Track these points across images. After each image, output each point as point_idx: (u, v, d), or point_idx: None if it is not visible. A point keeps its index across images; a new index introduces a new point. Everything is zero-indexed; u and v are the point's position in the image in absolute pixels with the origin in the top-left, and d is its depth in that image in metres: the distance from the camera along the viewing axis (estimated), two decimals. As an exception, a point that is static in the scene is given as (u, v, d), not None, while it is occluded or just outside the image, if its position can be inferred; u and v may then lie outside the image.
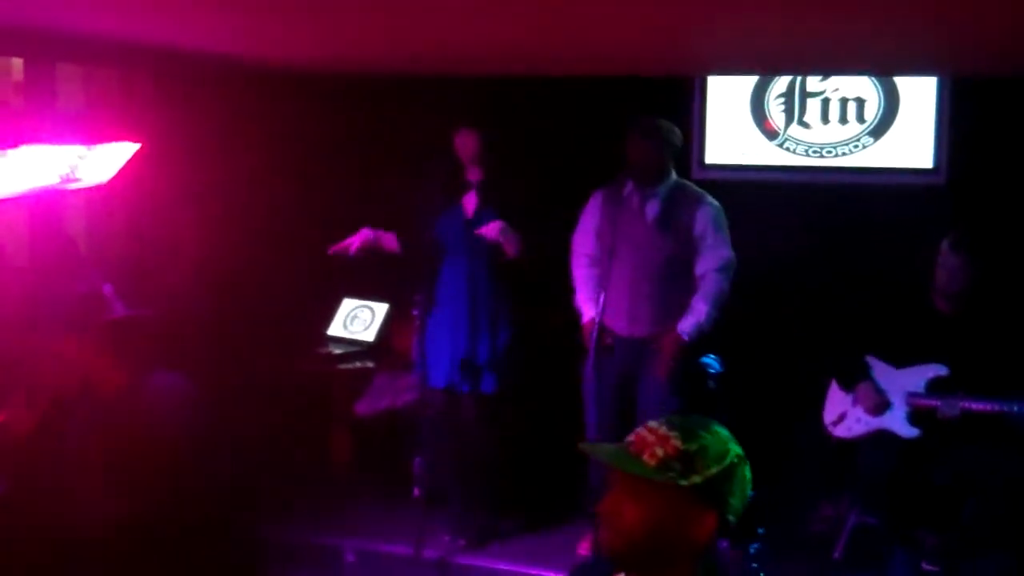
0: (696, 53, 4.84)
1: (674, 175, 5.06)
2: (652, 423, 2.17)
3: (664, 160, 4.98)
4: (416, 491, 5.01)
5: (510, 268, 5.13)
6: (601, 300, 4.68)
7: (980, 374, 4.54)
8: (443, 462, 5.23)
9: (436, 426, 5.18)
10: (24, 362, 2.96)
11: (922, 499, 4.68)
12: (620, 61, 5.00)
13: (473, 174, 5.18)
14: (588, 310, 5.00)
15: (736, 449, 2.15)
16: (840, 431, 4.86)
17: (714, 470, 2.09)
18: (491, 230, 4.94)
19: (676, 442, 2.10)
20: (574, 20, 3.43)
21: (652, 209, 4.97)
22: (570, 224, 5.25)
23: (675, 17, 3.38)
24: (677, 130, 5.04)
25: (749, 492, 2.17)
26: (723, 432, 2.17)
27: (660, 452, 2.10)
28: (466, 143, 5.13)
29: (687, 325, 4.93)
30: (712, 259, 4.97)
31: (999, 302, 4.67)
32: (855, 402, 4.81)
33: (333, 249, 5.11)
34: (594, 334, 4.66)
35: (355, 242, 5.12)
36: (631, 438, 2.16)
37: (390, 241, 5.22)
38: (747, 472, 2.16)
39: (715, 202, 5.04)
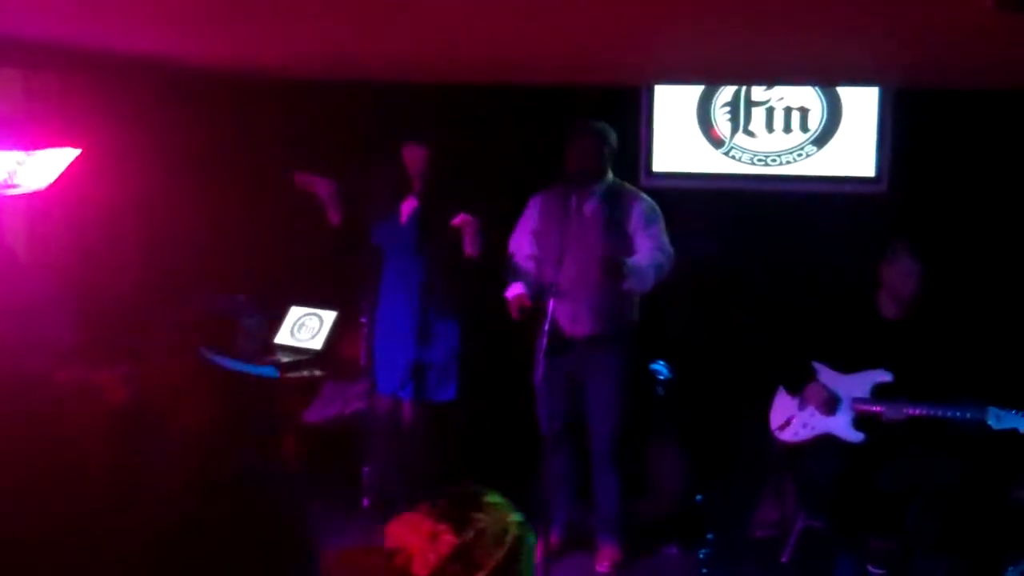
0: (643, 62, 4.86)
1: (610, 175, 5.10)
2: (415, 512, 1.92)
3: (602, 159, 5.02)
4: (365, 501, 4.97)
5: (455, 272, 5.13)
6: (551, 305, 4.70)
7: (924, 379, 4.59)
8: (392, 470, 5.20)
9: (384, 434, 5.15)
10: (135, 339, 2.87)
11: (867, 504, 4.72)
12: (568, 70, 5.02)
13: (417, 184, 5.19)
14: (514, 289, 5.02)
15: (515, 517, 1.94)
16: (786, 436, 4.89)
17: (498, 556, 1.88)
18: (460, 220, 4.94)
19: (448, 536, 1.87)
20: (524, 29, 3.43)
21: (590, 208, 5.01)
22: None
23: (622, 27, 3.39)
24: (613, 131, 5.09)
25: (532, 562, 1.95)
26: (496, 500, 1.95)
27: (432, 557, 1.86)
28: (414, 156, 5.14)
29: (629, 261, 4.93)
30: (647, 243, 4.98)
31: (942, 308, 4.73)
32: (802, 406, 4.85)
33: (301, 177, 5.09)
34: (546, 327, 4.66)
35: (321, 185, 5.10)
36: (392, 543, 1.91)
37: (334, 213, 5.18)
38: (530, 538, 1.95)
39: (648, 198, 5.08)
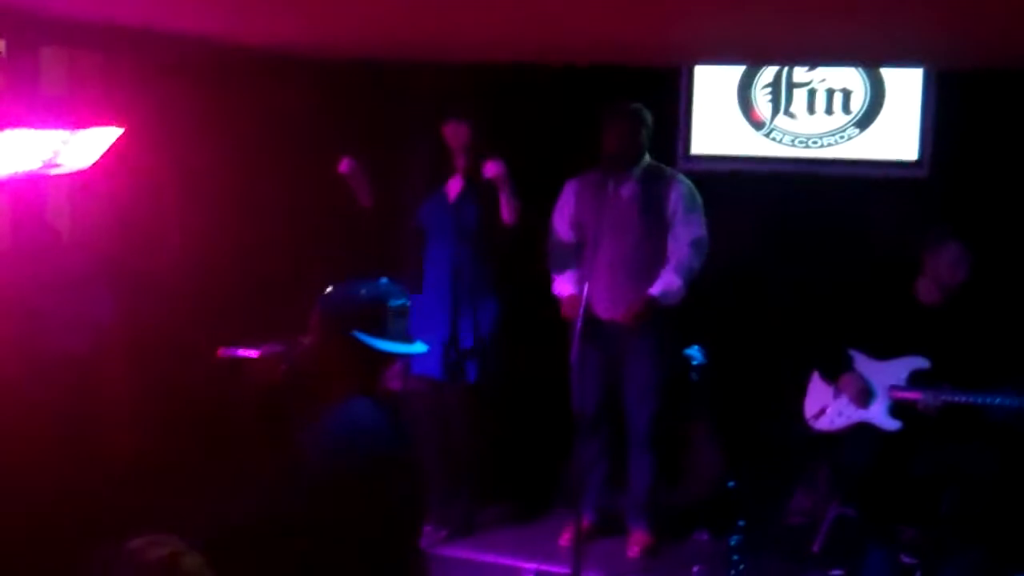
0: (684, 42, 4.83)
1: (648, 157, 5.08)
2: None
3: (639, 142, 5.01)
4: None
5: (494, 252, 5.14)
6: (586, 289, 4.70)
7: (962, 367, 4.56)
8: (426, 452, 5.23)
9: (419, 415, 5.18)
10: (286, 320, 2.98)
11: (901, 492, 4.70)
12: (608, 49, 5.00)
13: (460, 161, 5.19)
14: (566, 288, 5.02)
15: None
16: (821, 424, 4.87)
17: None
18: (492, 168, 4.95)
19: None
20: (563, 7, 3.42)
21: (627, 191, 5.00)
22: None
23: (663, 6, 3.37)
24: (649, 112, 5.07)
25: None
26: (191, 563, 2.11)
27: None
28: (457, 133, 5.15)
29: (655, 289, 4.97)
30: (684, 234, 4.99)
31: (984, 294, 4.68)
32: (837, 394, 4.82)
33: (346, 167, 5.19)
34: (580, 310, 4.66)
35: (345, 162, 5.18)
36: None
37: (363, 195, 5.24)
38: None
39: (687, 180, 5.07)
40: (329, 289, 2.78)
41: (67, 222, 4.97)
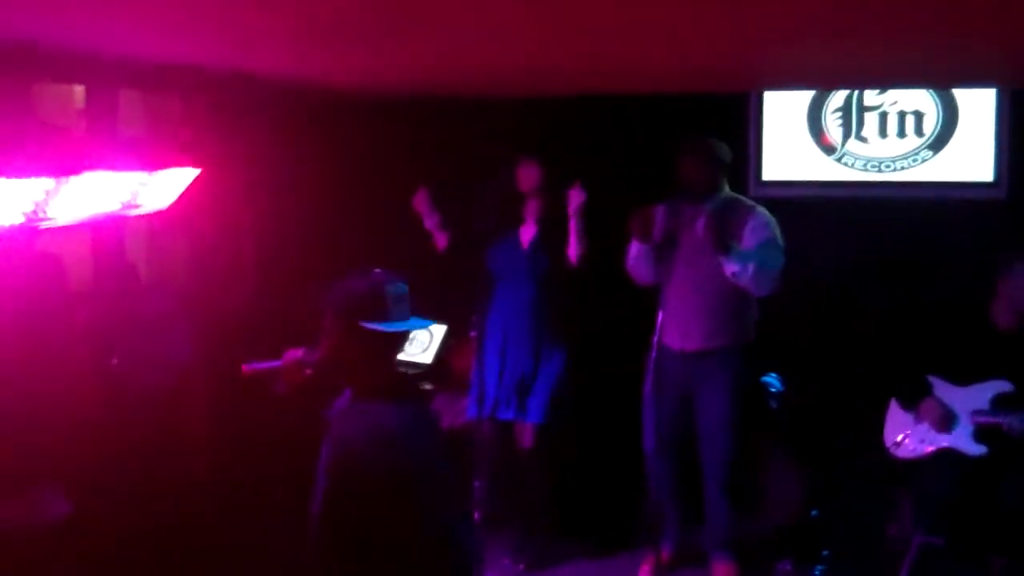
0: (753, 70, 4.81)
1: (726, 189, 5.04)
2: None
3: (713, 175, 4.97)
4: (476, 515, 4.99)
5: (562, 294, 5.15)
6: (660, 318, 4.67)
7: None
8: (502, 487, 5.22)
9: (492, 452, 5.18)
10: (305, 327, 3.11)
11: (989, 520, 4.59)
12: (676, 79, 4.99)
13: (532, 205, 5.21)
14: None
15: None
16: (903, 452, 4.77)
17: None
18: (576, 196, 4.99)
19: None
20: (634, 39, 3.42)
21: (702, 224, 4.96)
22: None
23: (732, 35, 3.36)
24: (724, 146, 5.04)
25: None
26: None
27: None
28: (528, 175, 5.18)
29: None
30: (752, 239, 4.89)
31: None
32: (918, 421, 4.73)
33: (418, 203, 5.26)
34: (655, 339, 4.64)
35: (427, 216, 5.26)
36: None
37: (441, 237, 5.31)
38: None
39: (765, 211, 4.99)
40: (330, 289, 2.90)
41: (145, 262, 5.06)
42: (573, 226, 5.05)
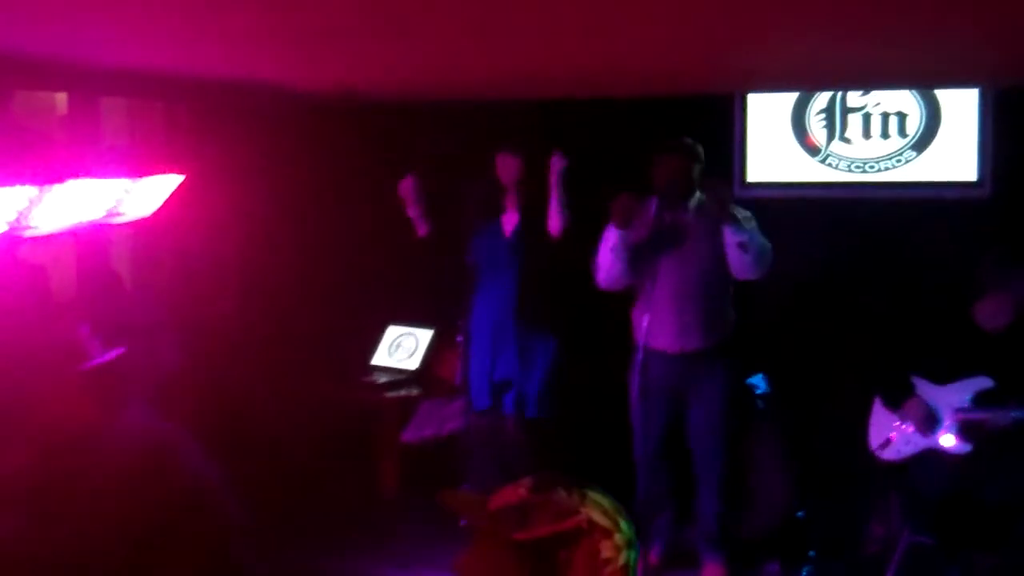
0: (735, 71, 4.82)
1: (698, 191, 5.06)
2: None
3: (691, 177, 4.98)
4: (463, 521, 4.98)
5: (553, 285, 5.15)
6: (645, 322, 4.67)
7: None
8: (491, 489, 5.21)
9: (483, 452, 5.17)
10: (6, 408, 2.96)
11: (976, 518, 4.59)
12: (660, 81, 5.00)
13: (513, 196, 5.23)
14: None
15: (595, 517, 1.92)
16: (888, 454, 4.77)
17: (546, 530, 1.89)
18: (557, 162, 5.04)
19: (522, 491, 1.94)
20: (616, 41, 3.43)
21: (684, 223, 4.96)
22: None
23: (714, 37, 3.37)
24: (699, 146, 5.04)
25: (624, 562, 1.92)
26: (597, 497, 1.96)
27: (502, 500, 1.94)
28: (507, 166, 5.18)
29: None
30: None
31: None
32: (902, 422, 4.74)
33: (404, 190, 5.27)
34: (640, 342, 4.64)
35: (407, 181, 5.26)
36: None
37: (422, 225, 5.32)
38: (604, 545, 1.92)
39: (741, 209, 5.00)
40: None
41: (130, 270, 5.05)
42: (554, 196, 5.06)
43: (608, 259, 4.96)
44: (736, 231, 4.79)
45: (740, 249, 4.79)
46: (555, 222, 5.09)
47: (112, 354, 2.86)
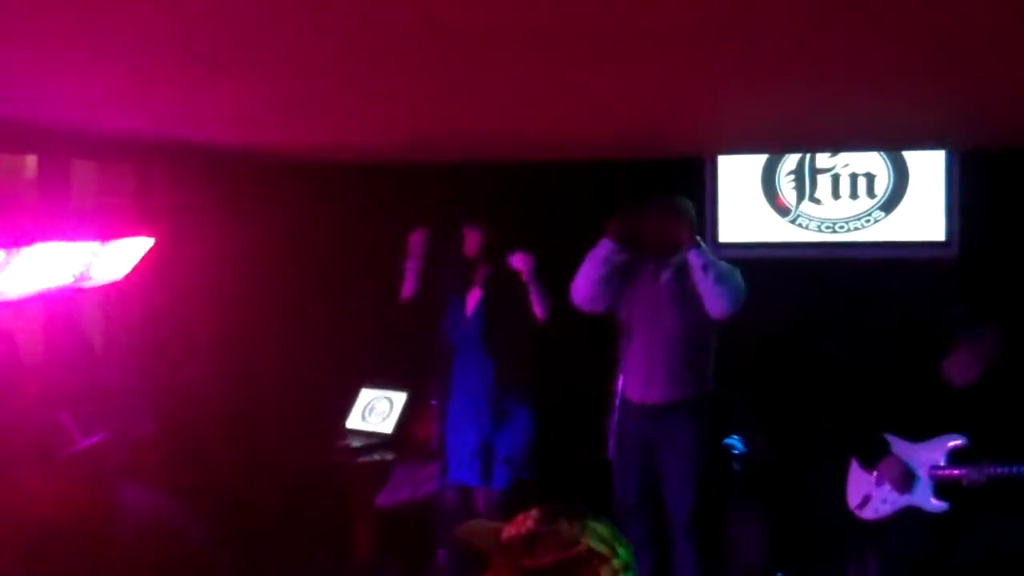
0: (704, 135, 4.86)
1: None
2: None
3: (687, 233, 4.95)
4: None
5: (523, 356, 5.13)
6: (620, 381, 4.68)
7: (1000, 441, 4.48)
8: (466, 555, 5.16)
9: (457, 520, 5.12)
10: None
11: (953, 576, 4.58)
12: (630, 145, 5.03)
13: (478, 270, 5.22)
14: None
15: (595, 545, 2.05)
16: (867, 514, 4.76)
17: (549, 558, 2.03)
18: (518, 261, 4.97)
19: (530, 522, 2.08)
20: (584, 108, 3.45)
21: (665, 278, 4.97)
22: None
23: (682, 103, 3.39)
24: (690, 202, 5.06)
25: None
26: (599, 527, 2.09)
27: (513, 531, 2.08)
28: (470, 240, 5.17)
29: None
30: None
31: (1013, 369, 4.61)
32: (879, 481, 4.73)
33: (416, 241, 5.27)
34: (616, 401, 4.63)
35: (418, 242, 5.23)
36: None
37: (410, 284, 5.28)
38: (603, 570, 2.05)
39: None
40: None
41: (101, 335, 5.00)
42: (532, 289, 5.05)
43: (591, 268, 4.93)
44: (699, 253, 4.82)
45: (703, 272, 4.79)
46: (539, 310, 5.07)
47: (95, 438, 2.85)
